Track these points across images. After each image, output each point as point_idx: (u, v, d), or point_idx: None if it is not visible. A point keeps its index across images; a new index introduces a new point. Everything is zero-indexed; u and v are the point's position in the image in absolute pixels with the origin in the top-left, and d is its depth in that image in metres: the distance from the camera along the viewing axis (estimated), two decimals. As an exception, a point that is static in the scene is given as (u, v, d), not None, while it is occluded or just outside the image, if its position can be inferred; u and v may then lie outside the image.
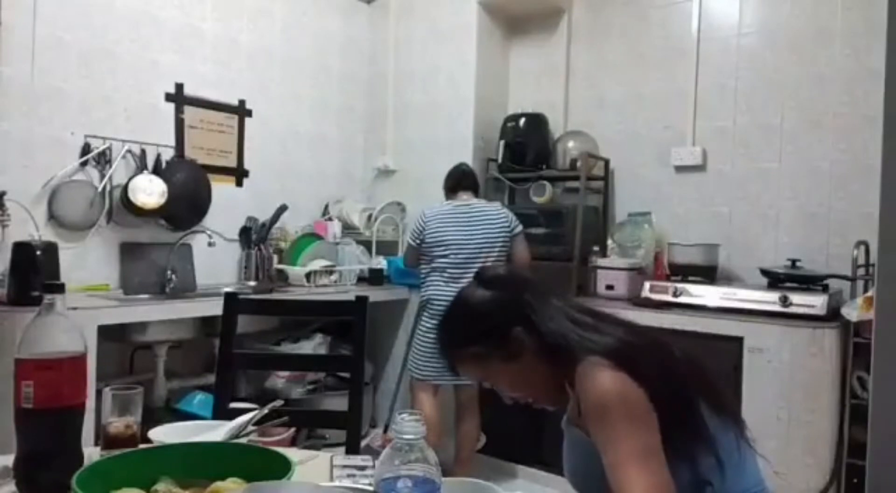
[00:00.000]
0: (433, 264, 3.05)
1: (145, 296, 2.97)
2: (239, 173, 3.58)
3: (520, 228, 3.11)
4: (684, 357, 1.19)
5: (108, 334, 2.63)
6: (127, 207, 3.00)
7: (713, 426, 1.09)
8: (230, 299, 1.84)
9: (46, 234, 2.75)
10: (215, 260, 3.39)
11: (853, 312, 2.55)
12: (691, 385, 1.13)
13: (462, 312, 1.27)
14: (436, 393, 3.08)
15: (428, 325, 3.01)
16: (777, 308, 2.78)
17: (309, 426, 3.22)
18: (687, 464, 1.05)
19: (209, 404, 2.31)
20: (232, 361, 1.81)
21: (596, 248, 3.51)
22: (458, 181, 3.20)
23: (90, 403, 1.52)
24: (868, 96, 2.92)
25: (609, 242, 3.62)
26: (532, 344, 1.19)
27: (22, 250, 2.48)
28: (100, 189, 2.96)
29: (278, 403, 1.42)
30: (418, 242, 3.07)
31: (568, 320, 1.20)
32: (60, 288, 1.07)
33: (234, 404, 1.73)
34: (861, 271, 2.80)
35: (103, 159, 2.99)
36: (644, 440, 1.00)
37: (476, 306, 1.25)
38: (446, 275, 3.01)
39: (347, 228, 3.90)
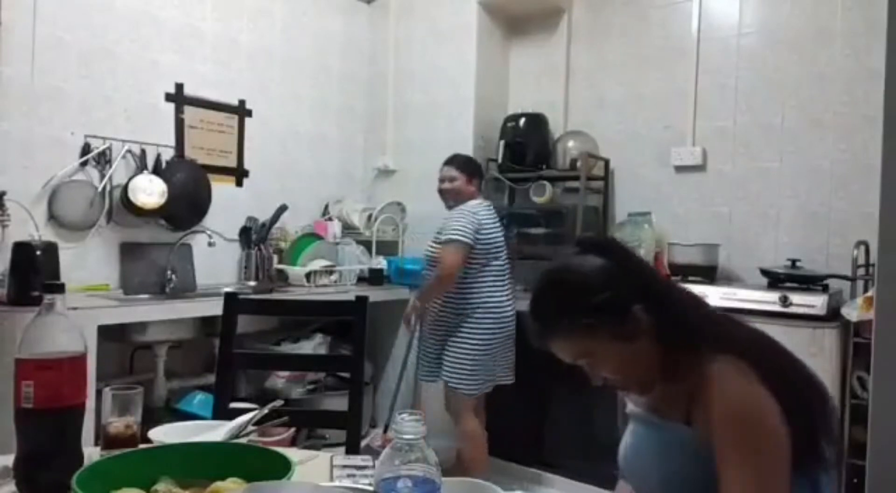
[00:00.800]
0: (488, 267, 2.89)
1: (145, 296, 2.97)
2: (239, 173, 3.57)
3: None
4: (810, 373, 1.11)
5: (108, 334, 2.63)
6: (127, 207, 3.00)
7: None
8: (230, 299, 1.84)
9: (46, 234, 2.75)
10: (215, 260, 3.39)
11: (853, 312, 2.55)
12: (817, 407, 1.06)
13: (578, 280, 1.11)
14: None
15: (490, 331, 2.87)
16: (777, 308, 2.78)
17: (309, 426, 3.22)
18: (808, 487, 1.01)
19: (209, 405, 2.31)
20: (232, 361, 1.81)
21: (596, 248, 3.51)
22: (482, 175, 3.13)
23: (90, 403, 1.52)
24: (868, 96, 2.92)
25: (609, 242, 3.61)
26: (649, 325, 1.08)
27: (22, 250, 2.48)
28: (100, 189, 2.96)
29: (278, 403, 1.42)
30: (473, 240, 2.84)
31: (695, 307, 1.11)
32: (60, 288, 1.07)
33: (234, 404, 1.73)
34: (861, 271, 2.80)
35: (103, 159, 2.99)
36: (770, 468, 0.95)
37: (594, 274, 1.11)
38: (503, 278, 2.91)
39: (347, 228, 3.90)
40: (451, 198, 3.02)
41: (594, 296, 1.09)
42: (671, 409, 1.10)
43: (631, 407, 1.23)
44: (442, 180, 3.03)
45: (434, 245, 2.96)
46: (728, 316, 1.16)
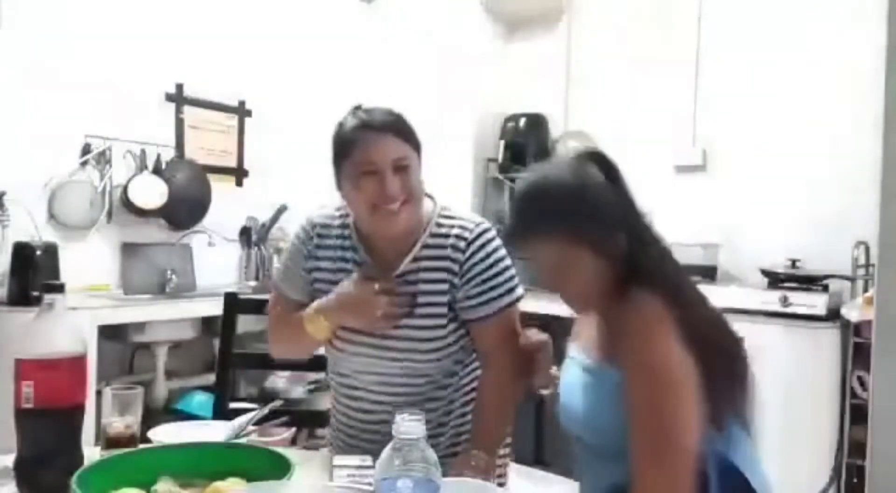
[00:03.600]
0: None
1: (145, 296, 2.96)
2: (239, 173, 3.57)
3: None
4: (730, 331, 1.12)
5: (108, 334, 2.63)
6: (127, 207, 3.00)
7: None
8: (230, 299, 1.84)
9: (46, 234, 2.75)
10: (215, 260, 3.38)
11: (853, 312, 2.55)
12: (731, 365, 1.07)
13: (578, 185, 1.09)
14: None
15: None
16: (777, 308, 2.78)
17: (309, 426, 3.21)
18: (722, 442, 1.01)
19: (209, 405, 2.30)
20: (232, 361, 1.81)
21: (596, 248, 3.52)
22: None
23: (90, 403, 1.52)
24: (869, 96, 2.92)
25: (609, 242, 3.62)
26: (622, 255, 1.08)
27: (22, 250, 2.48)
28: (100, 189, 2.96)
29: (278, 403, 1.42)
30: None
31: (666, 256, 1.12)
32: (60, 288, 1.07)
33: (234, 405, 1.73)
34: (861, 271, 2.80)
35: (103, 159, 2.99)
36: (673, 419, 0.97)
37: (594, 186, 1.09)
38: None
39: (347, 228, 3.89)
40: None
41: (590, 206, 1.08)
42: (605, 351, 1.11)
43: (575, 346, 1.25)
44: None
45: None
46: (682, 270, 1.16)
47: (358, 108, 1.28)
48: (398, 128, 1.25)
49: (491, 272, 1.28)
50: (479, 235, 1.30)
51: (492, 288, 1.28)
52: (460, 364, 1.37)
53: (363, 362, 1.33)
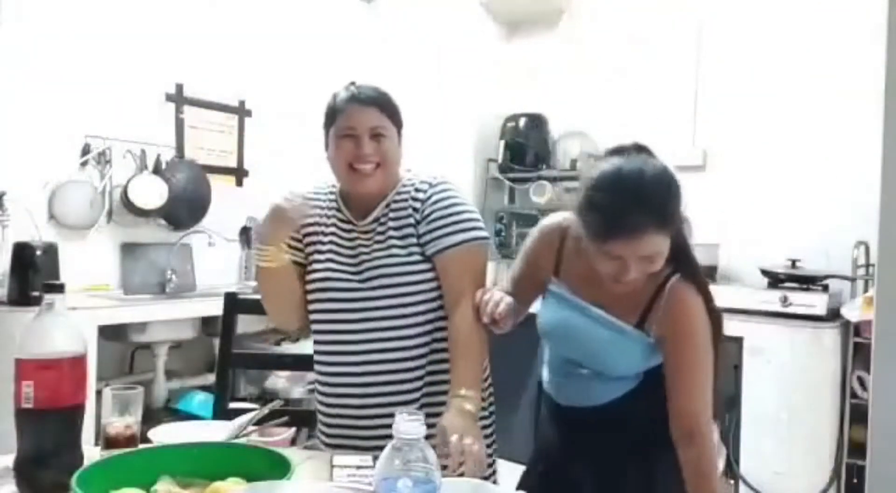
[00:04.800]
0: None
1: (145, 296, 2.96)
2: (239, 173, 3.57)
3: None
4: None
5: (108, 334, 2.63)
6: (127, 207, 3.00)
7: None
8: (230, 299, 1.84)
9: (46, 234, 2.75)
10: (215, 260, 3.38)
11: (853, 312, 2.55)
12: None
13: (677, 182, 1.29)
14: None
15: None
16: (777, 308, 2.79)
17: (309, 426, 3.21)
18: None
19: (209, 405, 2.31)
20: (231, 361, 1.81)
21: (596, 248, 3.52)
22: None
23: (90, 403, 1.52)
24: (869, 96, 2.92)
25: (609, 242, 3.62)
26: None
27: (22, 250, 2.48)
28: (100, 189, 2.96)
29: (278, 403, 1.42)
30: None
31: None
32: (60, 288, 1.07)
33: (234, 405, 1.73)
34: (861, 271, 2.81)
35: (103, 159, 2.99)
36: (708, 378, 1.27)
37: (678, 184, 1.28)
38: None
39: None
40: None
41: (679, 202, 1.26)
42: (621, 310, 1.31)
43: (560, 289, 1.39)
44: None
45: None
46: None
47: (352, 83, 1.45)
48: (381, 103, 1.42)
49: (449, 211, 1.41)
50: (438, 184, 1.45)
51: (452, 223, 1.41)
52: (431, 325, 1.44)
53: (343, 310, 1.41)
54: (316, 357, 1.49)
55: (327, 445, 1.46)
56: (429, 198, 1.43)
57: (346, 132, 1.39)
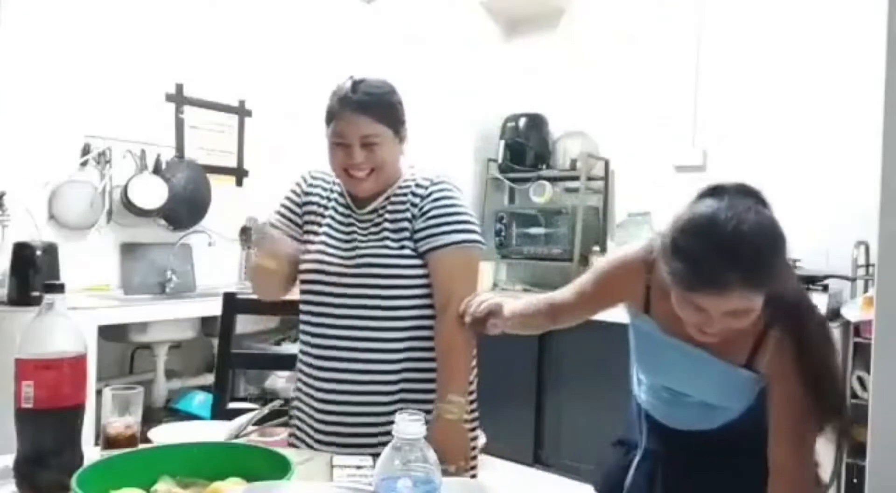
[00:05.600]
0: None
1: (145, 296, 2.97)
2: (239, 173, 3.57)
3: None
4: None
5: (108, 334, 2.63)
6: (127, 207, 3.00)
7: None
8: (228, 298, 1.84)
9: (46, 234, 2.75)
10: (215, 260, 3.38)
11: (853, 312, 2.55)
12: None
13: (783, 238, 1.16)
14: None
15: None
16: (777, 308, 2.78)
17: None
18: None
19: (209, 405, 2.31)
20: (231, 361, 1.81)
21: (596, 247, 3.52)
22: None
23: (90, 403, 1.52)
24: (869, 96, 2.92)
25: (609, 241, 3.62)
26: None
27: (22, 250, 2.48)
28: (100, 189, 2.96)
29: (278, 403, 1.43)
30: None
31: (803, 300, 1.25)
32: (60, 288, 1.07)
33: (234, 405, 1.73)
34: (861, 271, 2.81)
35: (103, 159, 2.99)
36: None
37: (783, 239, 1.15)
38: None
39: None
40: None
41: (784, 255, 1.15)
42: (728, 350, 1.21)
43: (650, 327, 1.30)
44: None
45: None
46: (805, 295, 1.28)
47: (352, 79, 1.42)
48: (374, 108, 1.39)
49: (446, 210, 1.42)
50: (438, 183, 1.45)
51: (446, 223, 1.41)
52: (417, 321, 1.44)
53: (332, 296, 1.43)
54: (301, 329, 1.53)
55: (296, 419, 1.52)
56: (428, 195, 1.43)
57: (337, 140, 1.40)
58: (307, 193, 1.55)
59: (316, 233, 1.49)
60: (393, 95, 1.44)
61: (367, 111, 1.38)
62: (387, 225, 1.44)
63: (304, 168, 1.67)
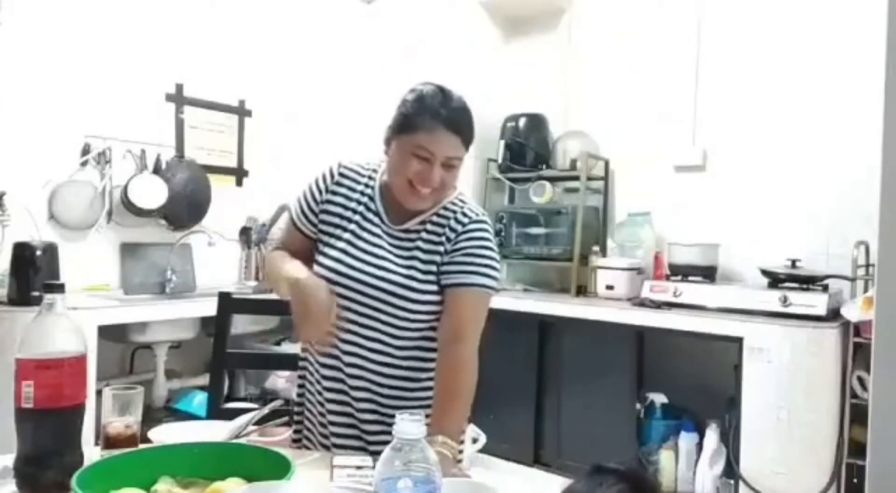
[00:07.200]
0: None
1: (145, 296, 2.97)
2: (239, 173, 3.58)
3: None
4: None
5: (108, 334, 2.62)
6: (127, 207, 3.00)
7: None
8: (224, 298, 1.84)
9: (46, 234, 2.75)
10: (215, 260, 3.38)
11: (853, 312, 2.55)
12: None
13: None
14: None
15: None
16: (777, 308, 2.79)
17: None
18: None
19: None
20: (226, 360, 1.81)
21: (596, 248, 3.52)
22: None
23: (90, 403, 1.52)
24: (868, 96, 2.92)
25: (609, 242, 3.62)
26: None
27: (22, 250, 2.48)
28: (100, 189, 2.96)
29: (278, 403, 1.43)
30: None
31: None
32: (60, 288, 1.06)
33: (234, 405, 1.73)
34: (861, 271, 2.81)
35: (103, 159, 2.99)
36: None
37: None
38: None
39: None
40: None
41: None
42: None
43: None
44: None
45: None
46: None
47: (441, 91, 1.40)
48: (465, 131, 1.38)
49: (477, 252, 1.40)
50: (480, 221, 1.43)
51: (474, 264, 1.39)
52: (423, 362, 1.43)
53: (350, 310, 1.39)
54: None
55: (306, 420, 1.52)
56: (466, 231, 1.41)
57: (421, 154, 1.34)
58: (332, 192, 1.48)
59: (338, 237, 1.44)
60: (473, 118, 1.42)
61: (459, 132, 1.36)
62: (419, 250, 1.40)
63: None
